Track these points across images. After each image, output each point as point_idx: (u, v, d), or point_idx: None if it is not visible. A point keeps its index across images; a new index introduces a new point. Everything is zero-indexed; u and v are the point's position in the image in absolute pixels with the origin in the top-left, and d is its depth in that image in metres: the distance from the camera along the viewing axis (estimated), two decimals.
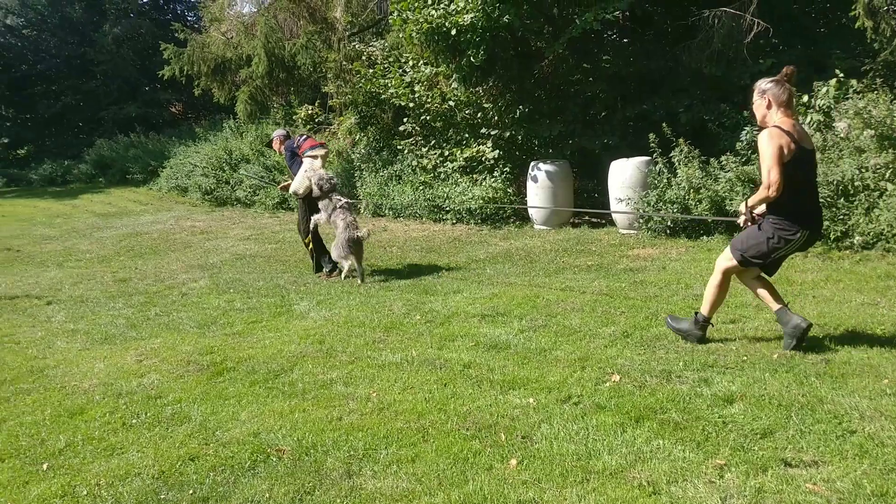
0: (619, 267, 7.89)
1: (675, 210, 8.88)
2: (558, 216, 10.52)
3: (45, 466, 3.82)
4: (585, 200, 11.52)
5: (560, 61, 10.96)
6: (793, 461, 3.32)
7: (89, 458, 3.89)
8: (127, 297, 8.02)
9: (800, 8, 11.53)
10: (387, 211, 12.70)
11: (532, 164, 10.67)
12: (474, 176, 11.43)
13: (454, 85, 11.62)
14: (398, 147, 12.85)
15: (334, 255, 8.09)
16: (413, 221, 12.07)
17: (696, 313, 5.05)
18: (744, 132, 8.98)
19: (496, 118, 11.60)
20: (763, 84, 4.57)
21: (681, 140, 9.11)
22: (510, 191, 11.09)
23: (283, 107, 17.69)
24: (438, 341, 5.49)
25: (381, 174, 12.92)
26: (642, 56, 11.28)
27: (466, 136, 11.92)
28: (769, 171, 4.31)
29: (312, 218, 8.27)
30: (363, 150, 13.84)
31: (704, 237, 8.81)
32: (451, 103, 11.88)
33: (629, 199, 9.45)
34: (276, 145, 9.08)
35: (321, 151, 8.50)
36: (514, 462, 3.49)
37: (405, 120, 12.59)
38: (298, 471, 3.56)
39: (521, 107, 11.21)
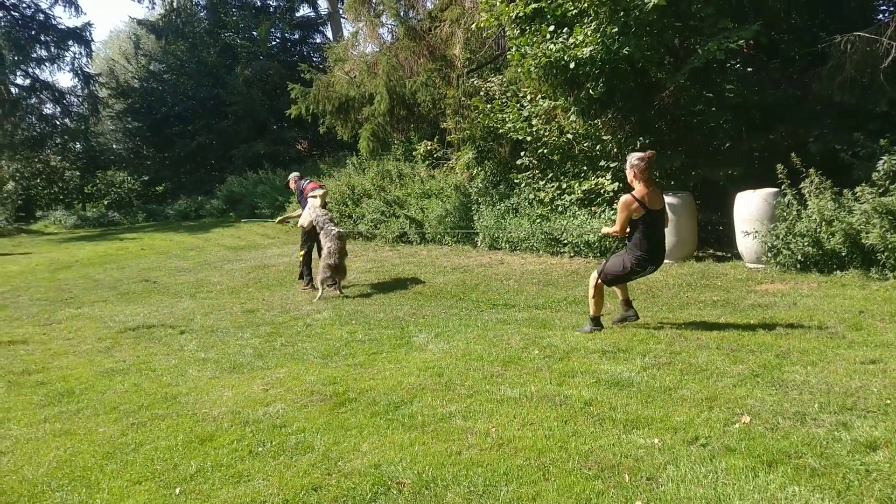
0: (746, 302, 7.59)
1: (805, 244, 8.48)
2: (682, 249, 10.23)
3: (177, 491, 3.99)
4: (710, 233, 11.17)
5: (681, 91, 10.73)
6: None
7: (218, 485, 4.03)
8: (254, 327, 8.34)
9: None
10: (503, 244, 12.71)
11: None
12: (593, 208, 11.29)
13: (572, 118, 11.58)
14: (515, 180, 12.89)
15: (319, 277, 9.97)
16: (529, 254, 12.03)
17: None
18: (881, 161, 8.49)
19: (615, 150, 11.46)
20: (633, 160, 6.41)
21: (811, 170, 8.71)
22: None
23: (403, 143, 18.11)
24: (558, 377, 5.41)
25: (497, 207, 12.98)
26: (768, 85, 10.90)
27: (584, 168, 11.82)
28: (617, 223, 6.49)
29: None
30: (480, 184, 13.95)
31: (838, 272, 8.36)
32: (569, 136, 11.84)
33: (756, 231, 9.08)
34: (292, 185, 11.93)
35: (320, 192, 10.92)
36: None
37: (522, 153, 12.62)
38: None
39: (641, 138, 11.02)
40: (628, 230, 6.51)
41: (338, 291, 9.96)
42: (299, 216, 11.21)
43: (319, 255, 10.36)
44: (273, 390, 5.68)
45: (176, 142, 30.65)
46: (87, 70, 32.06)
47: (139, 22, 33.46)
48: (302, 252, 10.93)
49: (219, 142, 30.29)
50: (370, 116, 15.58)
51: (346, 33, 27.67)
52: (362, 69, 16.50)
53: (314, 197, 10.80)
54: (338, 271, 9.92)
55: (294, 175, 12.10)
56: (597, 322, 6.81)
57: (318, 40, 33.09)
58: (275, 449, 4.44)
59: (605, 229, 6.87)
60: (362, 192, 17.31)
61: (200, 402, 5.54)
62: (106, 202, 31.95)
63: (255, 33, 31.02)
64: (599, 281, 6.68)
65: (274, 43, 32.24)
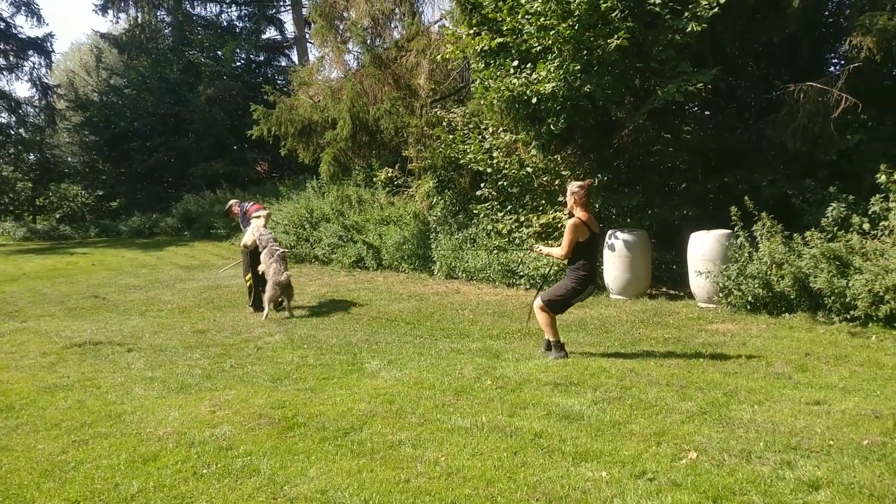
0: (697, 341, 7.69)
1: (756, 286, 8.65)
2: (636, 286, 10.36)
3: None
4: (664, 272, 11.33)
5: (640, 131, 10.93)
6: None
7: None
8: (204, 347, 8.20)
9: (891, 85, 11.26)
10: (460, 273, 12.74)
11: (609, 232, 10.59)
12: (550, 242, 11.38)
13: (533, 152, 11.71)
14: (474, 211, 12.95)
15: (266, 296, 9.98)
16: (486, 285, 12.06)
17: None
18: (830, 208, 8.74)
19: None
20: (573, 187, 6.92)
21: (763, 214, 8.92)
22: None
23: (364, 169, 18.10)
24: (509, 408, 5.41)
25: (455, 237, 13.02)
26: (724, 129, 11.17)
27: (543, 202, 11.94)
28: (564, 245, 6.80)
29: (259, 268, 10.37)
30: (439, 213, 14.00)
31: (786, 314, 8.53)
32: (529, 169, 11.96)
33: (709, 272, 9.25)
34: (235, 209, 11.70)
35: (264, 213, 11.11)
36: None
37: (482, 185, 12.70)
38: None
39: (599, 175, 11.18)
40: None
41: (287, 313, 10.06)
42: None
43: (248, 271, 10.71)
44: (220, 412, 5.58)
45: (133, 157, 30.21)
46: (46, 81, 31.54)
47: (102, 35, 33.09)
48: (248, 276, 10.81)
49: (177, 159, 29.92)
50: (332, 141, 15.57)
51: (311, 58, 27.72)
52: (327, 94, 16.52)
53: (258, 217, 10.96)
54: (286, 290, 10.03)
55: (233, 201, 12.07)
56: (560, 347, 7.05)
57: (283, 63, 33.08)
58: (220, 471, 4.36)
59: (548, 250, 7.24)
60: (320, 216, 17.22)
61: (145, 422, 5.42)
62: (58, 215, 31.23)
63: (219, 53, 30.85)
64: (545, 309, 7.00)
65: (238, 63, 32.09)
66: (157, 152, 29.91)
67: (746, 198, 9.16)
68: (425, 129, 14.24)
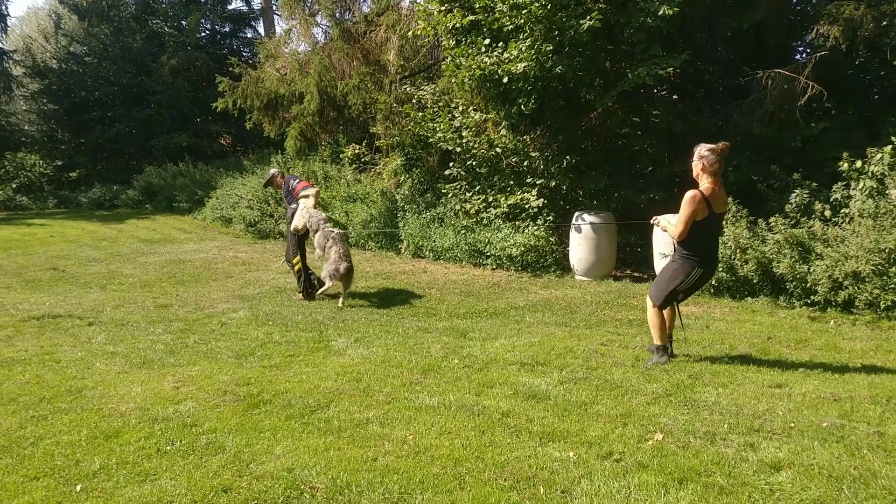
0: None
1: (720, 270, 8.75)
2: (601, 267, 10.42)
3: (78, 488, 3.81)
4: (629, 254, 11.43)
5: (609, 114, 10.96)
6: None
7: (122, 483, 3.87)
8: (167, 323, 8.09)
9: (855, 74, 11.43)
10: (427, 253, 12.71)
11: (576, 214, 10.63)
12: (517, 223, 11.40)
13: (502, 132, 11.69)
14: (442, 190, 12.91)
15: (324, 274, 9.10)
16: (453, 264, 12.06)
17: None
18: (793, 194, 8.86)
19: (542, 167, 11.62)
20: (703, 150, 5.62)
21: (729, 199, 9.00)
22: (552, 240, 11.04)
23: (330, 145, 17.93)
24: (476, 387, 5.42)
25: (423, 216, 12.97)
26: (692, 113, 11.24)
27: (511, 183, 11.93)
28: (679, 222, 5.64)
29: (316, 254, 9.54)
30: (407, 192, 13.93)
31: (749, 298, 8.67)
32: (498, 150, 11.94)
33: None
34: (279, 180, 10.54)
35: (312, 191, 9.83)
36: None
37: (451, 164, 12.66)
38: None
39: (567, 157, 11.20)
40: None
41: (340, 302, 9.06)
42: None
43: (295, 255, 9.69)
44: (184, 388, 5.51)
45: (94, 127, 29.49)
46: (1, 46, 30.60)
47: (61, 1, 32.18)
48: (297, 258, 9.69)
49: (139, 131, 29.29)
50: (299, 115, 15.38)
51: (278, 30, 27.37)
52: (294, 67, 16.31)
53: (306, 196, 9.72)
54: (348, 276, 9.08)
55: (275, 171, 10.82)
56: (662, 351, 6.06)
57: (250, 35, 32.39)
58: (184, 448, 4.30)
59: (665, 223, 6.05)
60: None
61: (107, 397, 5.33)
62: (14, 185, 30.38)
63: (184, 23, 30.18)
64: (656, 306, 6.00)
65: (203, 34, 31.42)
66: (119, 123, 29.25)
67: None
68: (394, 105, 14.13)
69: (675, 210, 9.64)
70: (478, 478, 3.82)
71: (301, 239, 9.70)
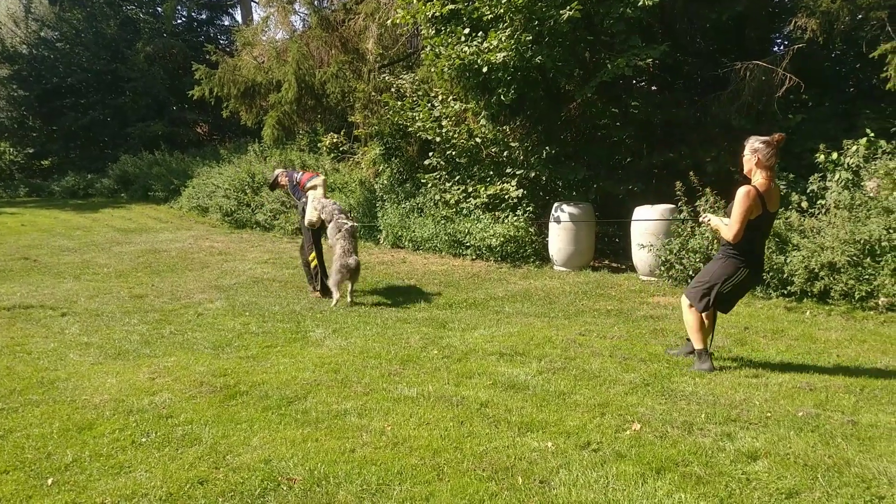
0: (639, 313, 7.80)
1: (697, 260, 8.79)
2: (580, 258, 10.45)
3: (49, 481, 3.75)
4: (607, 245, 11.46)
5: (588, 105, 10.97)
6: None
7: (96, 476, 3.82)
8: (142, 313, 7.99)
9: (831, 67, 11.53)
10: (406, 243, 12.66)
11: (556, 205, 10.63)
12: (497, 213, 11.39)
13: (482, 122, 11.65)
14: (422, 180, 12.86)
15: (331, 281, 8.50)
16: (432, 255, 12.03)
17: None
18: None
19: (522, 157, 11.60)
20: (756, 143, 5.22)
21: (707, 189, 9.05)
22: (532, 230, 11.04)
23: (308, 133, 17.80)
24: (455, 378, 5.41)
25: (402, 206, 12.92)
26: (671, 104, 11.28)
27: (491, 173, 11.91)
28: (734, 220, 5.18)
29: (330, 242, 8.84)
30: (386, 181, 13.87)
31: None
32: (478, 140, 11.90)
33: (651, 245, 9.37)
34: (283, 180, 9.71)
35: (319, 180, 9.24)
36: None
37: (430, 154, 12.60)
38: (309, 501, 3.48)
39: (547, 148, 11.20)
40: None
41: (349, 298, 8.54)
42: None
43: (312, 250, 9.10)
44: (160, 379, 5.45)
45: (66, 115, 29.03)
46: None
47: None
48: (313, 255, 9.10)
49: (114, 118, 28.88)
50: (276, 104, 15.23)
51: (256, 18, 27.08)
52: (271, 55, 16.13)
53: (314, 188, 9.13)
54: (354, 275, 8.58)
55: (279, 171, 9.90)
56: (706, 356, 5.61)
57: (227, 22, 32.07)
58: (159, 440, 4.25)
59: (717, 222, 5.52)
60: (263, 181, 16.90)
61: (80, 389, 5.25)
62: None
63: (159, 9, 29.82)
64: (692, 307, 5.57)
65: (179, 21, 31.07)
66: (93, 110, 28.83)
67: (691, 173, 9.28)
68: (373, 94, 14.04)
69: (653, 201, 9.78)
70: (456, 468, 3.81)
71: (317, 233, 9.14)
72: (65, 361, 6.05)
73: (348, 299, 8.48)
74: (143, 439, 4.27)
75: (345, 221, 8.74)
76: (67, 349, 6.44)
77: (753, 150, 5.22)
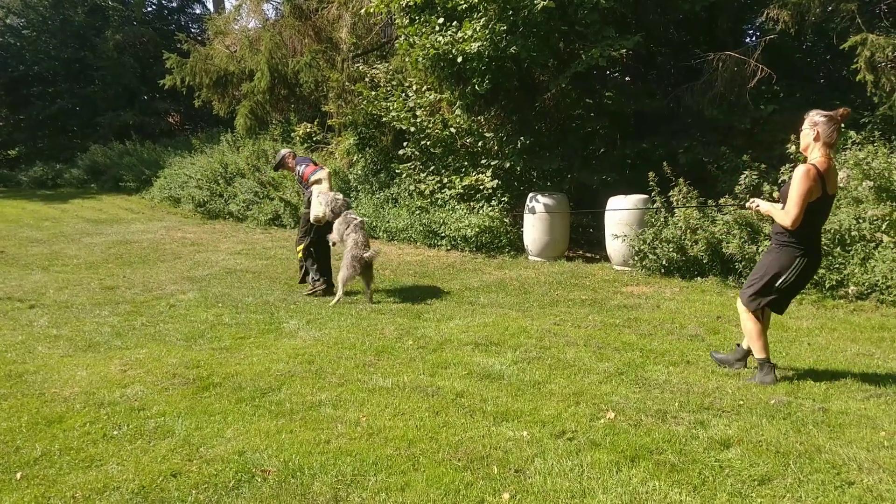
0: (613, 303, 7.84)
1: (670, 250, 8.85)
2: (554, 248, 10.48)
3: (18, 476, 3.69)
4: (581, 235, 11.50)
5: (562, 95, 10.98)
6: None
7: (66, 469, 3.76)
8: (113, 305, 7.89)
9: (802, 58, 11.64)
10: (381, 234, 12.62)
11: (530, 195, 10.65)
12: (472, 203, 11.39)
13: (457, 112, 11.62)
14: (396, 170, 12.82)
15: (341, 276, 7.94)
16: (407, 245, 12.00)
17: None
18: (743, 176, 8.98)
19: (496, 148, 11.60)
20: (816, 117, 4.72)
21: (680, 180, 9.11)
22: (507, 220, 11.06)
23: (281, 123, 17.64)
24: (430, 368, 5.40)
25: (377, 196, 12.87)
26: (644, 95, 11.33)
27: (466, 164, 11.90)
28: (793, 203, 4.61)
29: (328, 237, 8.34)
30: (360, 172, 13.80)
31: (699, 278, 8.78)
32: (453, 130, 11.87)
33: (625, 235, 9.41)
34: (290, 161, 9.16)
35: (323, 174, 8.69)
36: (506, 496, 3.40)
37: (405, 144, 12.56)
38: (284, 493, 3.45)
39: (521, 138, 11.20)
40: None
41: (368, 299, 8.01)
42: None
43: (303, 240, 8.66)
44: (132, 371, 5.38)
45: (34, 104, 28.55)
46: None
47: None
48: (300, 247, 8.69)
49: (83, 108, 28.45)
50: (249, 93, 15.13)
51: (228, 6, 26.82)
52: (244, 44, 16.00)
53: (319, 181, 8.62)
54: (367, 270, 8.04)
55: (285, 151, 9.42)
56: (768, 367, 5.04)
57: (198, 11, 31.74)
58: (131, 433, 4.19)
59: (768, 207, 4.94)
60: (235, 171, 16.76)
61: (50, 382, 5.17)
62: None
63: None
64: (750, 309, 5.06)
65: (150, 9, 30.62)
66: (61, 99, 28.38)
67: (665, 164, 9.33)
68: (346, 84, 13.96)
69: (627, 192, 9.82)
70: (431, 458, 3.80)
71: (320, 229, 8.49)
72: (33, 354, 5.95)
73: (367, 299, 7.99)
74: (115, 432, 4.21)
75: (354, 216, 8.26)
76: (36, 342, 6.34)
77: (813, 123, 4.73)
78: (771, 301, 4.99)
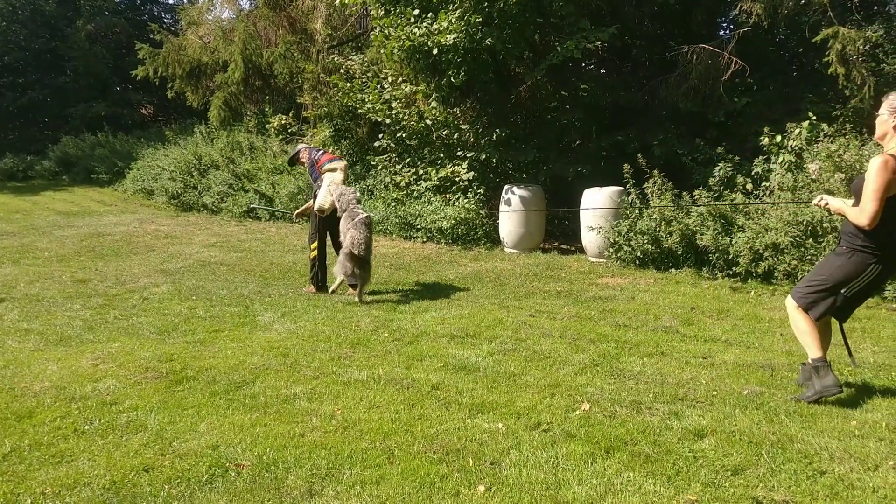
0: (588, 294, 7.87)
1: (645, 241, 8.90)
2: (530, 240, 10.50)
3: None
4: (557, 227, 11.53)
5: (538, 87, 10.99)
6: (764, 500, 3.28)
7: (36, 465, 3.71)
8: (85, 298, 7.79)
9: (775, 51, 11.73)
10: None
11: (506, 187, 10.65)
12: (447, 195, 11.37)
13: (433, 104, 11.59)
14: (372, 162, 12.76)
15: (336, 269, 7.75)
16: (383, 237, 11.96)
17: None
18: (717, 168, 9.06)
19: (472, 140, 11.59)
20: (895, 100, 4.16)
21: (655, 172, 9.15)
22: (483, 212, 11.06)
23: (256, 115, 17.51)
24: (406, 360, 5.39)
25: (352, 188, 12.81)
26: (619, 87, 11.37)
27: (441, 156, 11.88)
28: (868, 198, 4.06)
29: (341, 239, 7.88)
30: None
31: (673, 269, 8.84)
32: (428, 122, 11.84)
33: (600, 227, 9.45)
34: (304, 156, 8.77)
35: (339, 164, 8.35)
36: (482, 488, 3.40)
37: (381, 136, 12.50)
38: (258, 487, 3.43)
39: (497, 130, 11.20)
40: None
41: (357, 297, 7.65)
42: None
43: (315, 237, 8.29)
44: (104, 365, 5.32)
45: (4, 95, 28.12)
46: None
47: None
48: (314, 245, 8.26)
49: (54, 99, 28.08)
50: (223, 84, 14.99)
51: None
52: (217, 35, 15.86)
53: (332, 171, 8.24)
54: (363, 267, 7.64)
55: (301, 146, 9.01)
56: (825, 370, 4.39)
57: (171, 1, 31.44)
58: (103, 427, 4.15)
59: (838, 204, 4.37)
60: (209, 163, 16.60)
61: (20, 376, 5.10)
62: None
63: None
64: (801, 310, 4.47)
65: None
66: (32, 90, 27.95)
67: (639, 156, 9.36)
68: (322, 75, 13.88)
69: (602, 184, 9.85)
70: (407, 451, 3.80)
71: (325, 220, 8.17)
72: (3, 349, 5.86)
73: (356, 298, 7.63)
74: (86, 427, 4.16)
75: (359, 212, 7.78)
76: (6, 336, 6.24)
77: (893, 109, 4.11)
78: (831, 308, 4.40)
